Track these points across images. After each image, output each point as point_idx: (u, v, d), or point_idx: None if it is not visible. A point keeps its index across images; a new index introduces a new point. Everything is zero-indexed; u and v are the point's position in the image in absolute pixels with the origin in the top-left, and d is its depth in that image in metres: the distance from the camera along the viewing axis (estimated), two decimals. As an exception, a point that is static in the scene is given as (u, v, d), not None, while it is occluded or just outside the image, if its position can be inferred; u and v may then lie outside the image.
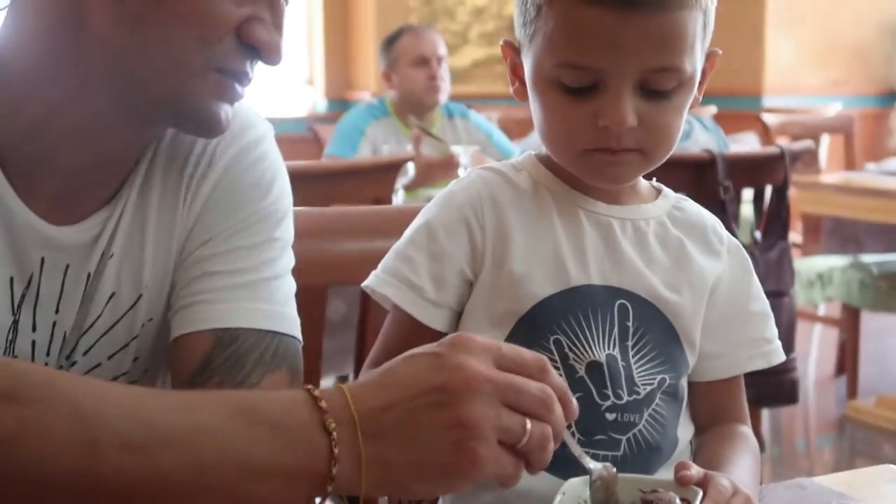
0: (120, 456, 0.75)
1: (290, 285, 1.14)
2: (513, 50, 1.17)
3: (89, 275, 1.06)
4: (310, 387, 0.82)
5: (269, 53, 0.99)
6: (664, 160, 1.13)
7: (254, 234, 1.11)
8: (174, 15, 0.95)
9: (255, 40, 0.98)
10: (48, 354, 1.05)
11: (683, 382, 1.17)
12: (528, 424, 0.82)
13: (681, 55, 1.07)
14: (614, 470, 0.94)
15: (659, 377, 1.14)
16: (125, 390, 0.81)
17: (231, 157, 1.12)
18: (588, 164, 1.12)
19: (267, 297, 1.10)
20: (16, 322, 1.02)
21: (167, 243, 1.10)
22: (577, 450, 0.92)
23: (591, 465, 0.93)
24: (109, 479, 0.75)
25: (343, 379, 3.05)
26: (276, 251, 1.13)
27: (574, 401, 0.88)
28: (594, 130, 1.08)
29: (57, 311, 1.05)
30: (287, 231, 1.15)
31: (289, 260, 1.15)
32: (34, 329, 1.04)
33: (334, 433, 0.79)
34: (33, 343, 1.04)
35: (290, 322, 1.11)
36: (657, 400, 1.14)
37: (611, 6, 1.03)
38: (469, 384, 0.81)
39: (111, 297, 1.07)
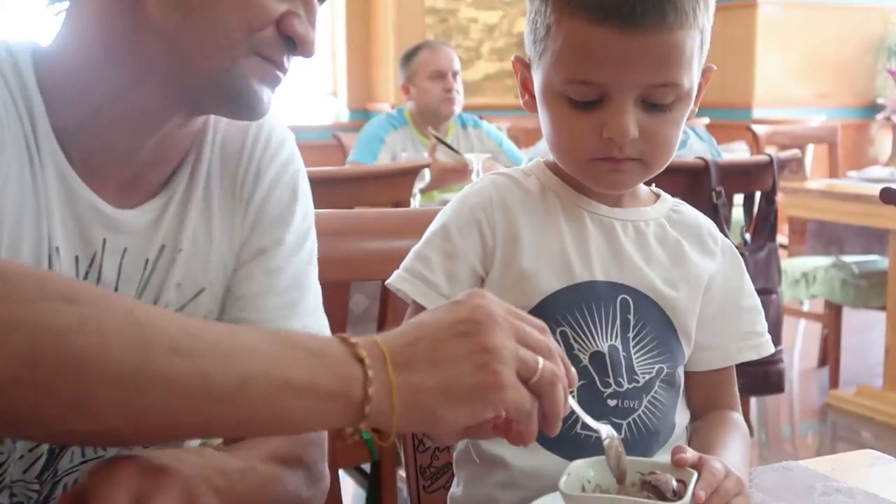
0: (169, 358, 0.74)
1: (318, 290, 1.17)
2: (523, 65, 1.17)
3: (147, 261, 1.07)
4: (339, 334, 0.83)
5: (303, 45, 1.00)
6: (663, 168, 1.13)
7: (297, 249, 1.15)
8: (222, 3, 0.96)
9: (292, 32, 0.99)
10: None
11: (680, 371, 1.17)
12: (541, 362, 0.83)
13: (680, 71, 1.07)
14: (617, 435, 0.94)
15: (657, 367, 1.14)
16: (169, 311, 0.82)
17: (275, 172, 1.14)
18: (593, 172, 1.12)
19: (307, 312, 1.14)
20: None
21: (228, 246, 1.12)
22: (588, 418, 0.92)
23: (602, 430, 0.92)
24: (157, 379, 0.74)
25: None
26: (312, 262, 1.17)
27: (572, 368, 0.88)
28: (599, 141, 1.08)
29: (116, 290, 1.05)
30: (315, 239, 1.19)
31: (315, 266, 1.18)
32: None
33: (367, 360, 0.79)
34: None
35: (323, 330, 1.16)
36: (656, 388, 1.13)
37: (616, 27, 1.03)
38: (490, 317, 0.82)
39: (177, 286, 1.09)
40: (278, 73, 1.01)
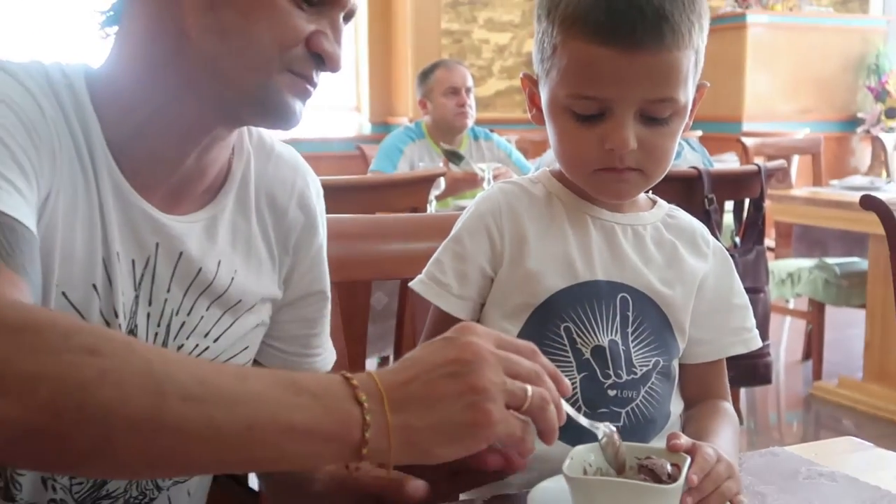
0: (181, 406, 0.74)
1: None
2: (531, 81, 1.17)
3: (200, 269, 1.08)
4: (343, 372, 0.82)
5: (330, 61, 1.00)
6: (661, 178, 1.13)
7: (325, 282, 1.20)
8: (256, 24, 0.96)
9: (320, 50, 0.99)
10: (158, 325, 1.07)
11: (675, 364, 1.16)
12: (529, 390, 0.83)
13: (676, 88, 1.06)
14: (614, 430, 0.93)
15: (654, 359, 1.13)
16: (187, 356, 0.82)
17: (321, 224, 1.20)
18: (596, 181, 1.12)
19: (328, 342, 1.24)
20: (137, 297, 1.04)
21: (270, 275, 1.15)
22: (583, 420, 0.92)
23: (599, 428, 0.92)
24: (170, 426, 0.74)
25: (384, 359, 3.06)
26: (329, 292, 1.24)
27: (564, 378, 0.88)
28: (601, 152, 1.08)
29: (168, 291, 1.06)
30: None
31: None
32: (150, 304, 1.05)
33: (365, 403, 0.79)
34: (148, 315, 1.05)
35: (332, 354, 1.26)
36: (652, 379, 1.13)
37: (618, 47, 1.03)
38: (478, 356, 0.81)
39: (237, 301, 1.12)
40: (308, 86, 1.01)
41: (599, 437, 0.92)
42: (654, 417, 1.13)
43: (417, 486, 0.98)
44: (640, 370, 1.12)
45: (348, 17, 1.03)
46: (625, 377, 1.12)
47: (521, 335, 1.12)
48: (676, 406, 1.17)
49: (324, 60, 1.00)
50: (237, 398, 0.76)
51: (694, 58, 1.08)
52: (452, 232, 1.18)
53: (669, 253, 1.17)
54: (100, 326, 0.82)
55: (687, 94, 1.08)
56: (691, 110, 1.12)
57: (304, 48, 0.99)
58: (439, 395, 0.80)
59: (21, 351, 0.72)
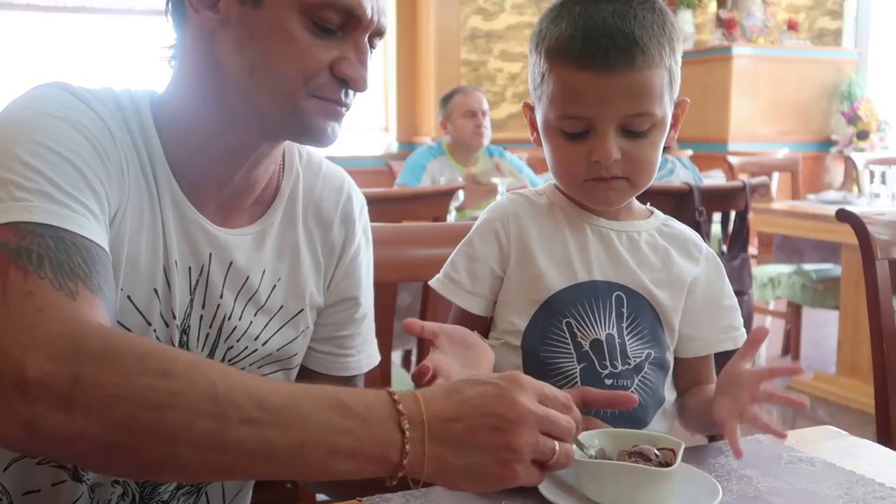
0: (241, 429, 0.75)
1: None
2: (530, 109, 1.17)
3: (248, 278, 1.07)
4: (391, 390, 0.81)
5: (355, 84, 0.98)
6: (647, 186, 1.12)
7: (358, 290, 1.19)
8: (280, 59, 0.95)
9: (343, 75, 0.97)
10: (210, 327, 1.06)
11: (668, 356, 1.15)
12: (557, 449, 0.82)
13: (651, 103, 1.06)
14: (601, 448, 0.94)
15: (646, 351, 1.12)
16: (246, 375, 0.81)
17: (361, 231, 1.19)
18: (587, 191, 1.12)
19: (372, 341, 1.23)
20: (191, 300, 1.04)
21: (315, 280, 1.14)
22: (585, 452, 0.92)
23: (587, 450, 0.93)
24: (232, 447, 0.75)
25: (408, 352, 3.05)
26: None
27: (580, 420, 0.88)
28: (588, 164, 1.08)
29: (221, 297, 1.06)
30: None
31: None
32: (203, 307, 1.05)
33: (407, 433, 0.78)
34: (200, 317, 1.05)
35: (371, 358, 1.23)
36: (646, 369, 1.12)
37: (594, 71, 1.04)
38: (520, 417, 0.80)
39: (280, 308, 1.11)
40: (339, 108, 0.99)
41: (590, 453, 0.92)
42: (648, 403, 1.12)
43: None
44: (634, 361, 1.11)
45: (377, 36, 1.00)
46: (620, 367, 1.11)
47: (527, 329, 1.12)
48: (670, 394, 1.16)
49: (348, 83, 0.98)
50: (290, 421, 0.77)
51: (667, 76, 1.08)
52: (466, 237, 1.18)
53: (663, 257, 1.16)
54: (169, 348, 0.82)
55: (664, 109, 1.08)
56: (673, 124, 1.12)
57: (328, 74, 0.97)
58: (477, 442, 0.80)
59: (103, 373, 0.74)
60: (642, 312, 1.13)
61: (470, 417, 0.80)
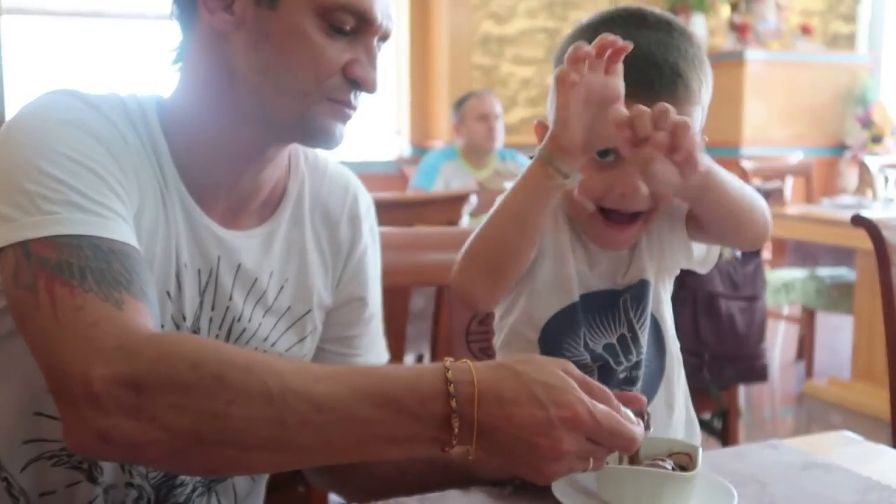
0: (301, 431, 0.78)
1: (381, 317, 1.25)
2: (545, 129, 1.12)
3: (256, 280, 1.07)
4: (449, 375, 0.81)
5: (366, 86, 0.99)
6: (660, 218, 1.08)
7: (365, 290, 1.19)
8: (295, 61, 0.96)
9: (356, 77, 0.98)
10: (220, 329, 1.06)
11: (664, 310, 1.12)
12: (591, 464, 0.83)
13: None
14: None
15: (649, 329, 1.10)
16: (300, 375, 0.81)
17: (368, 231, 1.19)
18: (595, 226, 1.06)
19: (380, 340, 1.24)
20: (201, 303, 1.04)
21: (323, 281, 1.15)
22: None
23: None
24: (293, 446, 0.79)
25: (419, 357, 3.04)
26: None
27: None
28: (608, 194, 1.03)
29: (230, 299, 1.06)
30: None
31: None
32: (213, 309, 1.05)
33: (456, 429, 0.80)
34: (210, 319, 1.05)
35: (378, 357, 1.23)
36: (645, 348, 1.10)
37: (636, 99, 0.94)
38: (570, 424, 0.79)
39: (287, 308, 1.11)
40: (348, 110, 1.00)
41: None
42: (652, 375, 1.11)
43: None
44: (644, 349, 1.09)
45: (383, 39, 1.01)
46: (634, 359, 1.09)
47: (540, 342, 1.08)
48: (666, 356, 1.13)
49: (359, 85, 0.99)
50: (346, 422, 0.79)
51: (701, 113, 1.05)
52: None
53: (657, 236, 1.11)
54: (221, 346, 0.85)
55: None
56: None
57: (340, 76, 0.98)
58: (521, 449, 0.80)
59: (162, 382, 0.77)
60: (646, 296, 1.09)
61: (517, 427, 0.80)
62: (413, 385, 0.81)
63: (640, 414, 0.88)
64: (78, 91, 0.98)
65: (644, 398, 1.00)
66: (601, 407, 0.81)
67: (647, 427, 0.88)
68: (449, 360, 0.82)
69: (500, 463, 0.84)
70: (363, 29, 0.98)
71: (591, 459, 0.82)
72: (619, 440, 0.82)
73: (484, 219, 1.03)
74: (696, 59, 1.03)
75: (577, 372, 0.84)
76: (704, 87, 1.05)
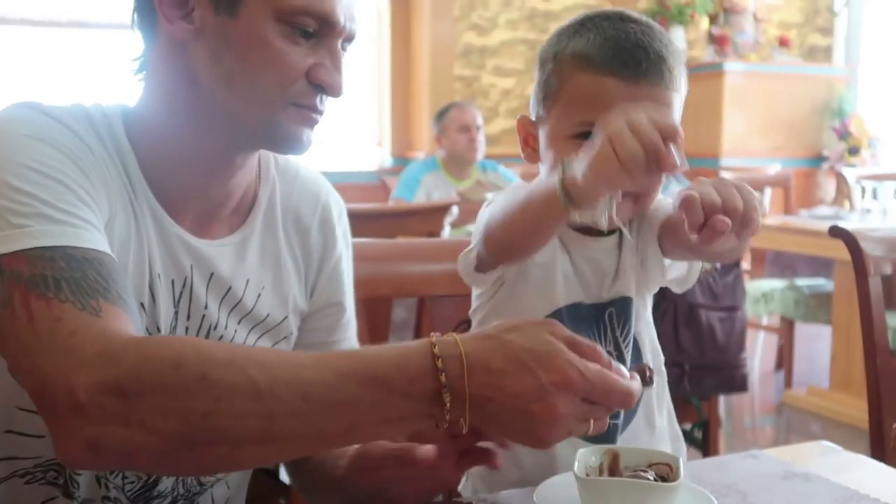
0: (290, 421, 0.78)
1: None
2: (528, 123, 1.15)
3: (230, 288, 1.07)
4: (436, 350, 0.80)
5: (331, 90, 0.99)
6: (650, 206, 1.11)
7: (342, 295, 1.18)
8: (257, 68, 0.95)
9: (320, 81, 0.97)
10: (197, 336, 1.05)
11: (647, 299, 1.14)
12: (591, 427, 0.81)
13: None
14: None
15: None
16: (285, 364, 0.80)
17: (341, 237, 1.18)
18: None
19: (357, 344, 1.22)
20: (176, 313, 1.03)
21: (299, 287, 1.14)
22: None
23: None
24: (283, 437, 0.78)
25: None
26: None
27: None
28: None
29: (206, 307, 1.05)
30: None
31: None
32: (188, 318, 1.04)
33: (448, 403, 0.79)
34: (186, 328, 1.04)
35: (355, 340, 1.22)
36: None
37: (625, 77, 1.03)
38: (562, 386, 0.78)
39: (266, 315, 1.11)
40: (314, 115, 0.99)
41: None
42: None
43: (427, 450, 0.99)
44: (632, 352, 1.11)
45: (348, 41, 1.00)
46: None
47: None
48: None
49: (324, 89, 0.98)
50: (336, 408, 0.78)
51: (680, 102, 1.08)
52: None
53: (642, 251, 1.14)
54: (201, 343, 0.85)
55: None
56: None
57: (305, 81, 0.97)
58: (516, 417, 0.79)
59: (145, 386, 0.76)
60: (628, 310, 1.12)
61: (508, 396, 0.78)
62: (401, 364, 0.80)
63: (640, 370, 0.87)
64: (40, 104, 0.97)
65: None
66: (592, 366, 0.79)
67: (650, 381, 0.88)
68: (435, 336, 0.81)
69: (497, 432, 0.85)
70: (326, 32, 0.97)
71: (592, 421, 0.81)
72: (614, 396, 0.80)
73: (477, 221, 1.06)
74: (676, 53, 1.08)
75: (565, 331, 0.81)
76: (683, 80, 1.09)
